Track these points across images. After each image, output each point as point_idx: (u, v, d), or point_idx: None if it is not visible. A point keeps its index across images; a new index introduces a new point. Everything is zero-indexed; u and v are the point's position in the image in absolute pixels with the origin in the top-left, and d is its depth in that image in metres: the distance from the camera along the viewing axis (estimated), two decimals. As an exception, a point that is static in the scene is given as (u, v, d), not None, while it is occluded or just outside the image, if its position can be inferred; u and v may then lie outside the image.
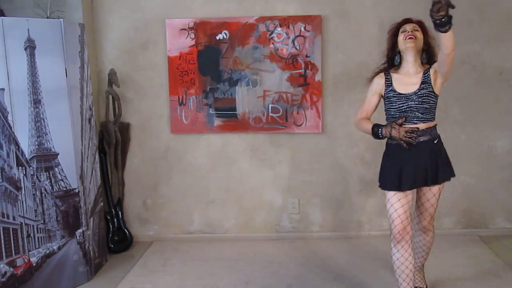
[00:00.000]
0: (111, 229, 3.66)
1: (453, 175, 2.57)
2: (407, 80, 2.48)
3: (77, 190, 3.03)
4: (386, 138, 2.50)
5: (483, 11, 3.52)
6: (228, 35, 3.58)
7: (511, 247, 3.50)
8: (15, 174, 2.77)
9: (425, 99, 2.42)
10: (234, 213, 3.84)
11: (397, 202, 2.47)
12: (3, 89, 2.70)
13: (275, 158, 3.76)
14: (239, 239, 3.81)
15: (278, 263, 3.37)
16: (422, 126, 2.44)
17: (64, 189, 2.98)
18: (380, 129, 2.46)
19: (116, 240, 3.66)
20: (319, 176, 3.74)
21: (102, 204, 3.46)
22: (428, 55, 2.52)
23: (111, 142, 3.65)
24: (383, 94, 2.56)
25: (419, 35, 2.47)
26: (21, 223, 2.81)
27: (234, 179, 3.80)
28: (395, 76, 2.53)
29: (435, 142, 2.50)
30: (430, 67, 2.47)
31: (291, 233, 3.83)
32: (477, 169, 3.71)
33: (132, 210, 3.87)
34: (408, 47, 2.44)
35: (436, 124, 2.51)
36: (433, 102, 2.45)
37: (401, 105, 2.46)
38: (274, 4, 3.58)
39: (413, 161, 2.45)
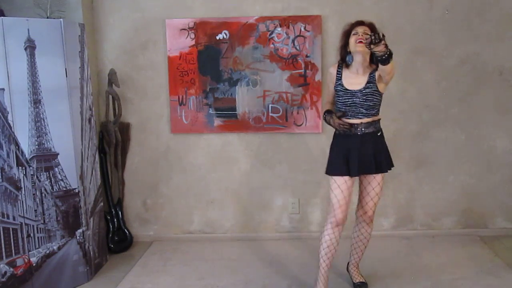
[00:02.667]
0: (111, 229, 3.66)
1: (392, 165, 2.80)
2: (355, 78, 2.67)
3: (77, 190, 3.03)
4: (335, 129, 2.77)
5: (483, 11, 3.52)
6: (228, 35, 3.58)
7: (511, 247, 3.50)
8: (15, 174, 2.77)
9: (369, 97, 2.63)
10: (234, 213, 3.84)
11: (340, 191, 2.67)
12: (3, 89, 2.70)
13: (275, 158, 3.76)
14: (239, 239, 3.81)
15: (278, 263, 3.37)
16: (366, 120, 2.66)
17: (64, 189, 2.98)
18: (325, 115, 2.79)
19: (116, 240, 3.66)
20: (319, 176, 3.73)
21: (102, 204, 3.46)
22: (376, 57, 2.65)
23: (111, 142, 3.65)
24: (334, 85, 2.76)
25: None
26: (21, 223, 2.81)
27: (234, 179, 3.80)
28: (345, 73, 2.72)
29: (378, 134, 2.73)
30: (377, 68, 2.61)
31: (291, 233, 3.83)
32: (477, 169, 3.71)
33: (132, 210, 3.87)
34: (357, 50, 2.60)
35: (380, 119, 2.72)
36: (376, 100, 2.66)
37: (347, 100, 2.66)
38: (274, 4, 3.58)
39: (358, 150, 2.66)
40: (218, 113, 3.68)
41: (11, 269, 2.77)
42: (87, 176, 3.17)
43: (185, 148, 3.77)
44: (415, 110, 3.66)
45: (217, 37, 3.59)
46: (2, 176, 2.71)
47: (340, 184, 2.68)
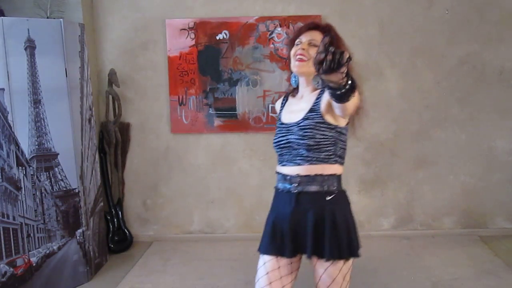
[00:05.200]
0: (111, 229, 3.66)
1: (355, 254, 1.76)
2: (295, 106, 1.86)
3: (77, 190, 3.03)
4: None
5: (483, 11, 3.52)
6: (228, 35, 3.58)
7: (511, 247, 3.50)
8: (15, 174, 2.77)
9: (307, 132, 1.73)
10: (234, 213, 3.84)
11: (261, 268, 1.81)
12: (3, 89, 2.70)
13: (275, 158, 3.74)
14: (239, 239, 3.81)
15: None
16: (307, 169, 1.75)
17: (64, 189, 2.98)
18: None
19: (116, 240, 3.66)
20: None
21: (102, 204, 3.46)
22: None
23: (111, 142, 3.65)
24: None
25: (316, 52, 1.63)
26: (21, 223, 2.81)
27: (234, 179, 3.80)
28: (290, 101, 1.94)
29: (328, 198, 1.76)
30: (323, 90, 1.73)
31: (291, 233, 3.83)
32: (477, 169, 3.71)
33: (132, 210, 3.87)
34: (295, 71, 1.82)
35: (335, 174, 1.80)
36: (322, 137, 1.73)
37: (281, 139, 1.83)
38: (274, 4, 3.58)
39: (290, 217, 1.78)
40: (218, 113, 3.68)
41: (11, 269, 2.77)
42: (87, 176, 3.17)
43: (185, 148, 3.77)
44: (415, 110, 3.65)
45: (217, 37, 3.59)
46: (2, 176, 2.71)
47: (267, 263, 1.80)
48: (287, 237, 1.78)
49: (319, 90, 1.79)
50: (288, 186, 1.81)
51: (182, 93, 3.67)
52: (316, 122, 1.74)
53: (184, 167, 3.80)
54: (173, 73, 3.65)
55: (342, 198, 1.82)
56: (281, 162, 1.85)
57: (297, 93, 1.91)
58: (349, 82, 1.41)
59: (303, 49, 1.77)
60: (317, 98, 1.78)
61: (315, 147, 1.74)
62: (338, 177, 1.82)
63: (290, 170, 1.80)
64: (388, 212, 3.79)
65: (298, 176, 1.77)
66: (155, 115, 3.75)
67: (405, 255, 3.45)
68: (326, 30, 1.83)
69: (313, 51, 1.74)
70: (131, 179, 3.83)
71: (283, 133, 1.83)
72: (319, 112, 1.75)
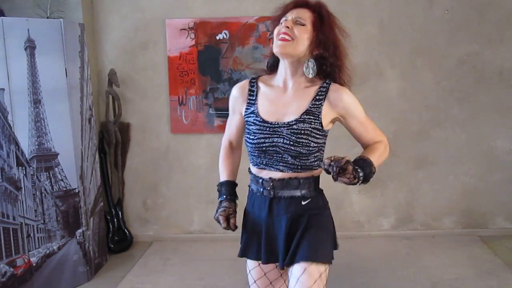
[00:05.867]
0: (111, 229, 3.66)
1: (327, 260, 1.59)
2: (280, 99, 1.60)
3: (77, 190, 3.03)
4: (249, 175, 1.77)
5: (483, 11, 3.52)
6: (228, 35, 3.58)
7: (511, 247, 3.50)
8: (15, 174, 2.77)
9: (302, 138, 1.54)
10: (234, 213, 3.83)
11: (253, 285, 1.80)
12: (3, 89, 2.70)
13: (275, 158, 3.76)
14: (239, 239, 3.80)
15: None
16: (286, 175, 1.60)
17: (64, 189, 2.98)
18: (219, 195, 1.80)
19: (116, 240, 3.66)
20: (319, 176, 3.74)
21: (102, 204, 3.46)
22: (320, 66, 1.58)
23: (111, 142, 3.65)
24: (243, 115, 1.71)
25: (303, 32, 1.55)
26: (21, 223, 2.81)
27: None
28: (263, 88, 1.65)
29: (304, 203, 1.61)
30: (327, 90, 1.56)
31: (291, 233, 3.82)
32: (477, 169, 3.71)
33: (132, 210, 3.87)
34: (276, 52, 1.59)
35: (312, 176, 1.63)
36: (315, 144, 1.56)
37: (263, 141, 1.59)
38: (274, 4, 3.55)
39: (265, 222, 1.67)
40: (218, 113, 3.68)
41: (11, 269, 2.77)
42: (87, 176, 3.17)
43: (185, 148, 3.77)
44: (415, 110, 3.65)
45: (217, 37, 3.59)
46: (2, 176, 2.71)
47: (252, 270, 1.77)
48: (263, 243, 1.67)
49: (318, 87, 1.57)
50: (261, 189, 1.67)
51: (182, 93, 3.67)
52: (313, 128, 1.54)
53: (184, 167, 3.80)
54: (173, 73, 3.65)
55: (318, 201, 1.65)
56: (257, 164, 1.65)
57: (273, 79, 1.66)
58: (361, 176, 1.45)
59: (288, 27, 1.54)
60: (318, 99, 1.55)
61: (305, 155, 1.56)
62: (315, 179, 1.64)
63: (267, 174, 1.62)
64: (388, 212, 3.79)
65: (270, 179, 1.61)
66: (155, 115, 3.74)
67: (405, 255, 3.45)
68: (316, 8, 1.58)
69: (299, 31, 1.54)
70: (131, 179, 3.83)
71: (266, 133, 1.58)
72: (319, 117, 1.54)
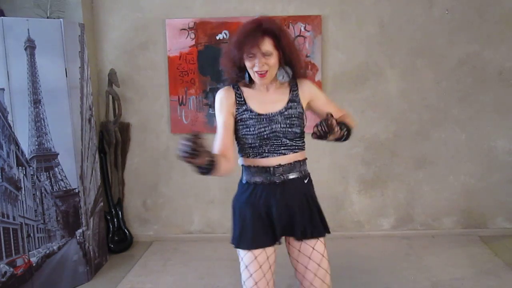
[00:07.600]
0: (111, 229, 3.66)
1: (327, 231, 1.96)
2: (265, 97, 1.90)
3: (77, 190, 3.03)
4: (241, 176, 1.98)
5: (483, 11, 3.52)
6: (228, 35, 3.58)
7: (511, 247, 3.50)
8: (15, 174, 2.77)
9: (294, 120, 1.86)
10: (234, 213, 3.83)
11: (253, 263, 1.87)
12: (3, 89, 2.70)
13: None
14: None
15: (278, 263, 3.36)
16: (289, 157, 1.87)
17: (64, 189, 2.98)
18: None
19: (116, 240, 3.66)
20: (319, 176, 3.72)
21: (102, 204, 3.46)
22: (291, 68, 1.91)
23: (111, 142, 3.65)
24: (234, 115, 1.90)
25: (273, 59, 1.81)
26: (21, 223, 2.81)
27: (234, 179, 3.77)
28: (247, 92, 1.92)
29: (306, 181, 1.95)
30: (296, 84, 1.93)
31: (291, 233, 3.83)
32: (477, 169, 3.71)
33: (132, 210, 3.87)
34: (259, 84, 1.87)
35: (306, 158, 1.96)
36: (303, 125, 1.90)
37: (262, 129, 1.84)
38: (274, 4, 3.58)
39: (278, 206, 1.86)
40: (218, 113, 3.67)
41: (11, 269, 2.77)
42: (87, 176, 3.17)
43: (185, 148, 3.76)
44: (415, 110, 3.65)
45: (217, 37, 3.59)
46: (2, 176, 2.71)
47: (258, 258, 1.88)
48: (277, 223, 1.87)
49: (289, 84, 1.93)
50: (269, 177, 1.87)
51: (182, 93, 3.67)
52: (299, 112, 1.90)
53: (184, 167, 3.76)
54: (173, 73, 3.65)
55: (310, 179, 2.00)
56: (260, 154, 1.86)
57: (252, 86, 1.93)
58: (346, 131, 1.82)
59: (262, 64, 1.79)
60: (294, 91, 1.92)
61: (298, 134, 1.89)
62: (305, 160, 1.97)
63: (272, 161, 1.86)
64: (388, 212, 3.79)
65: (280, 166, 1.86)
66: (155, 115, 3.75)
67: (405, 255, 3.45)
68: (270, 31, 1.79)
69: (269, 61, 1.80)
70: (131, 179, 3.83)
71: (264, 123, 1.85)
72: (300, 102, 1.91)
